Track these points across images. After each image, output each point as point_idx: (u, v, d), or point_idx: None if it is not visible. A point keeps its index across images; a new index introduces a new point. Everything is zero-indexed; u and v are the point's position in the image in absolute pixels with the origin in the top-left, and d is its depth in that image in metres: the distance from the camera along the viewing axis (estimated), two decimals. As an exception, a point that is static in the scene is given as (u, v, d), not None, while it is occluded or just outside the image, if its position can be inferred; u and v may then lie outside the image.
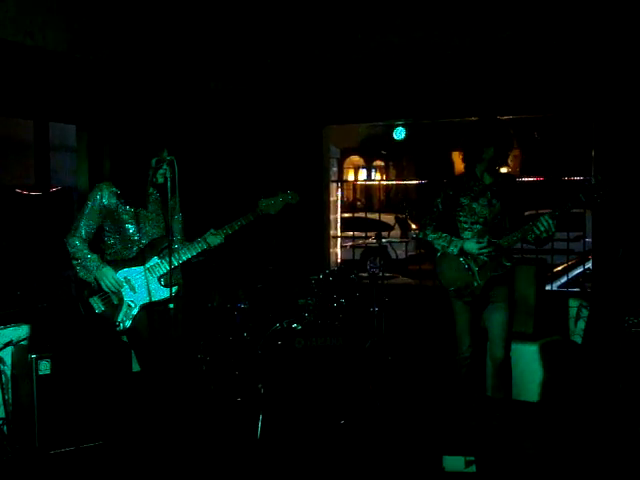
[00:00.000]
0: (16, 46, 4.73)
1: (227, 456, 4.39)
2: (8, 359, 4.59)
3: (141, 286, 4.01)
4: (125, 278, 4.00)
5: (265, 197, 4.14)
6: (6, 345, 4.58)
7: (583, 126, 6.52)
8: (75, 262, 4.00)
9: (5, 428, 4.43)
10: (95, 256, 3.98)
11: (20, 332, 4.69)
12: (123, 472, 4.12)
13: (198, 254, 4.07)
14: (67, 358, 4.41)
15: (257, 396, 4.68)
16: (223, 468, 4.23)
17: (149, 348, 4.08)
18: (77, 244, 3.98)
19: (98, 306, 3.99)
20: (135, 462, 4.14)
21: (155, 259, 4.03)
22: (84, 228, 4.00)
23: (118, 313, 3.99)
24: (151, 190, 4.08)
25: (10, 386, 4.58)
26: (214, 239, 4.05)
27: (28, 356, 4.32)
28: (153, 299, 4.02)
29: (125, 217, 4.01)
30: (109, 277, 3.92)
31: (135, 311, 4.00)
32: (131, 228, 4.03)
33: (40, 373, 4.30)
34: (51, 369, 4.33)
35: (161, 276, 4.02)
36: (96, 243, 4.10)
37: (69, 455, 4.30)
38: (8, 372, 4.59)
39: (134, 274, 4.01)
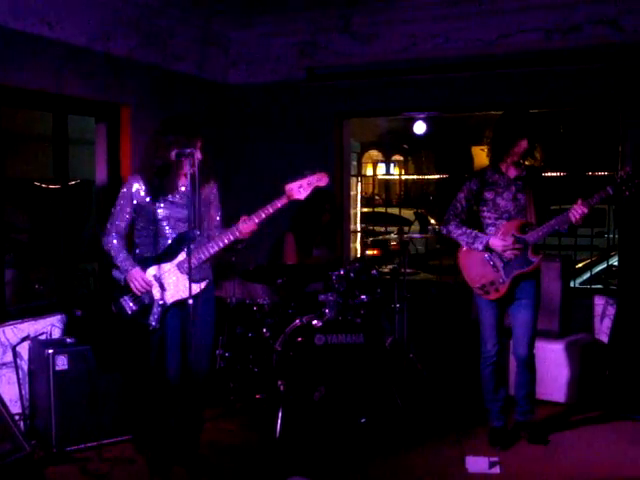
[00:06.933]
0: (36, 38, 4.69)
1: (246, 454, 4.34)
2: (25, 354, 4.56)
3: (171, 283, 3.87)
4: (154, 276, 3.86)
5: (292, 180, 3.81)
6: (23, 340, 4.56)
7: (609, 119, 6.39)
8: (112, 261, 3.92)
9: (22, 424, 4.41)
10: (128, 256, 3.90)
11: (37, 327, 4.66)
12: (138, 469, 4.08)
13: (232, 242, 3.84)
14: (84, 352, 4.38)
15: (276, 393, 4.62)
16: (242, 466, 4.17)
17: (179, 348, 3.91)
18: (114, 243, 3.92)
19: (129, 306, 3.89)
20: (150, 459, 4.08)
21: (184, 254, 3.83)
22: (118, 225, 3.93)
23: (149, 313, 3.86)
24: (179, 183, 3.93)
25: (27, 381, 4.55)
26: (245, 226, 3.80)
27: (45, 351, 4.28)
28: (183, 296, 3.79)
29: (153, 211, 3.88)
30: (138, 279, 3.82)
31: (165, 309, 3.86)
32: (160, 222, 3.89)
33: (57, 369, 4.26)
34: (68, 364, 4.30)
35: (190, 271, 3.76)
36: (129, 239, 4.02)
37: (85, 452, 4.27)
38: (25, 367, 4.56)
39: (163, 271, 3.87)
